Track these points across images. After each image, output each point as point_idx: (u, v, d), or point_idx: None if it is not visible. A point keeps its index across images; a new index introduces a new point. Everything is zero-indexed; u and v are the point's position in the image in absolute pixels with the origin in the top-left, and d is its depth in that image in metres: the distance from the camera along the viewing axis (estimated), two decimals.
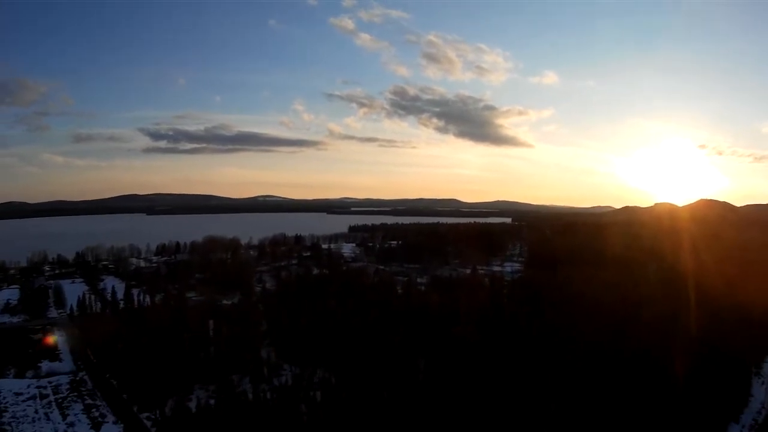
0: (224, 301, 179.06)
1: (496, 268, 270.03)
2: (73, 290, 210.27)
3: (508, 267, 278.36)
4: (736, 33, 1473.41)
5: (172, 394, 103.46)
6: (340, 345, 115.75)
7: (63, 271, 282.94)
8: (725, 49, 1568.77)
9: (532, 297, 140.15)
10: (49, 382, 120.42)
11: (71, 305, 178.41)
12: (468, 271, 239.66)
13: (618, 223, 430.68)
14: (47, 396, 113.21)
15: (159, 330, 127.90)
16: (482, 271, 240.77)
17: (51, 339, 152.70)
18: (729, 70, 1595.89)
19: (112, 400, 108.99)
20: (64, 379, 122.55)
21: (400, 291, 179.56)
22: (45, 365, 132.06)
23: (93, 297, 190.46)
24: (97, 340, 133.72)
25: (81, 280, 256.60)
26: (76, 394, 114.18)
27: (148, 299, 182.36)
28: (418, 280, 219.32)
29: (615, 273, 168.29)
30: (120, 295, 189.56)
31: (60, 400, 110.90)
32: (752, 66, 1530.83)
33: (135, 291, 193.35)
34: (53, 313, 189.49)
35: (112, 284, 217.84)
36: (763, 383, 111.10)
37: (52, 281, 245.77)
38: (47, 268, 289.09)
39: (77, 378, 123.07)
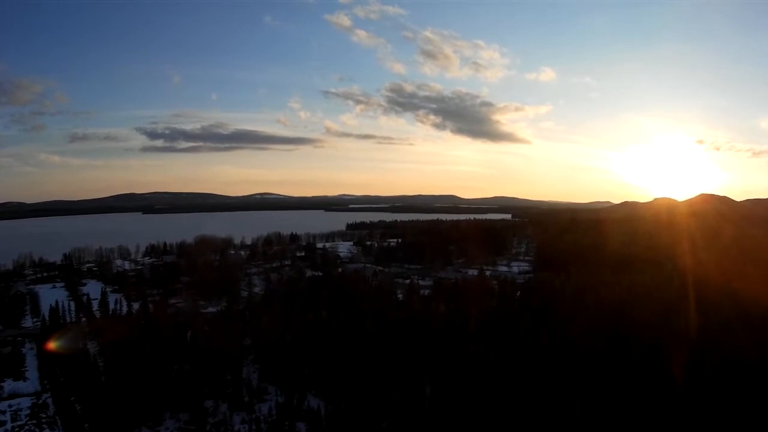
0: (209, 308, 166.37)
1: (503, 269, 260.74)
2: (53, 296, 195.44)
3: (515, 267, 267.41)
4: (734, 28, 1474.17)
5: (140, 424, 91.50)
6: (332, 365, 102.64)
7: (45, 274, 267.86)
8: (723, 44, 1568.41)
9: (547, 304, 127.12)
10: (9, 406, 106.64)
11: (43, 314, 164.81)
12: (473, 272, 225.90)
13: (621, 219, 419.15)
14: (5, 423, 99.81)
15: (129, 343, 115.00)
16: (489, 272, 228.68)
17: None
18: (727, 65, 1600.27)
19: (72, 430, 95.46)
20: (26, 403, 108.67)
21: (401, 298, 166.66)
22: (7, 385, 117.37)
23: (70, 304, 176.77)
24: (66, 354, 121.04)
25: (62, 284, 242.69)
26: (35, 421, 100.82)
27: (126, 306, 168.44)
28: (421, 282, 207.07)
29: (632, 274, 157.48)
30: (98, 301, 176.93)
31: (17, 429, 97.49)
32: (750, 61, 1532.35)
33: (114, 297, 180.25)
34: (28, 322, 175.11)
35: (94, 289, 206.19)
36: None
37: (33, 286, 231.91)
38: (30, 272, 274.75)
39: (40, 401, 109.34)
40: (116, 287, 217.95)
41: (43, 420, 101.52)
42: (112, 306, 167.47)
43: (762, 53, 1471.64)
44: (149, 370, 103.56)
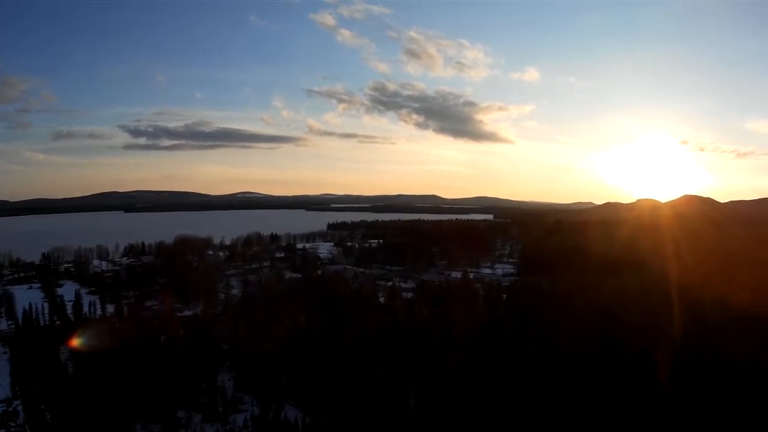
0: (186, 312, 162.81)
1: (487, 271, 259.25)
2: (29, 297, 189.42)
3: (500, 269, 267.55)
4: (719, 29, 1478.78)
5: None
6: (311, 373, 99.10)
7: (23, 275, 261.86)
8: (708, 46, 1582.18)
9: (534, 308, 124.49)
10: None
11: (17, 316, 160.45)
12: (456, 274, 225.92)
13: (604, 220, 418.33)
14: None
15: (100, 349, 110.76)
16: (472, 275, 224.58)
17: None
18: (711, 66, 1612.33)
19: None
20: None
21: (382, 301, 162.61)
22: None
23: (45, 306, 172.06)
24: (38, 359, 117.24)
25: (39, 285, 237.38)
26: (4, 430, 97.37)
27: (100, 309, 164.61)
28: (403, 285, 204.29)
29: (619, 277, 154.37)
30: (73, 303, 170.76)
31: None
32: (735, 62, 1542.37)
33: (89, 299, 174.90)
34: (3, 324, 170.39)
35: (72, 290, 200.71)
36: None
37: (9, 286, 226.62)
38: (8, 272, 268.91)
39: (11, 408, 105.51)
40: (93, 288, 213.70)
41: (12, 428, 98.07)
42: (86, 308, 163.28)
43: (747, 54, 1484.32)
44: (120, 377, 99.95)
